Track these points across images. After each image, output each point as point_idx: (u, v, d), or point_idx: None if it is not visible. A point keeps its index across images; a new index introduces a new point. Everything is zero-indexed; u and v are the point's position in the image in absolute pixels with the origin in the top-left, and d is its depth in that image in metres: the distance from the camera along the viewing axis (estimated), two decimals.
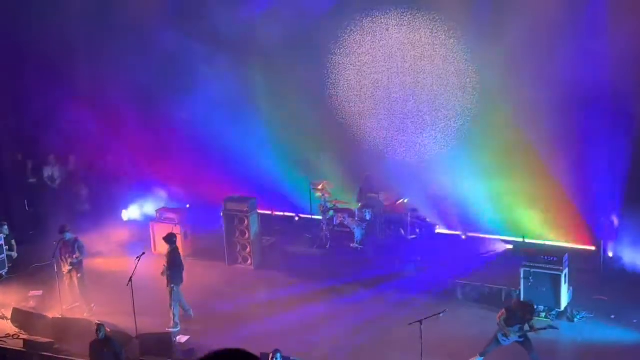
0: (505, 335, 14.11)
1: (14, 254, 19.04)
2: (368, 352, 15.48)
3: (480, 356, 14.42)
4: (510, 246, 18.86)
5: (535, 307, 15.09)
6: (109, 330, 14.89)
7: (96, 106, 21.24)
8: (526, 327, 14.06)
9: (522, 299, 15.50)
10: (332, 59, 19.76)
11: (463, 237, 19.37)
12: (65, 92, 21.37)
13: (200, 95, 20.86)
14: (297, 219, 21.10)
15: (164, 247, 17.35)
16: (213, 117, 20.77)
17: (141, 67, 20.67)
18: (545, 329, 14.47)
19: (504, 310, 14.24)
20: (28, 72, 21.49)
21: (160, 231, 20.20)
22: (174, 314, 16.45)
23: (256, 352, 13.23)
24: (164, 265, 16.54)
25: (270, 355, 13.44)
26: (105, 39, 21.05)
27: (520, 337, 14.11)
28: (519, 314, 14.11)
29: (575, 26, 17.34)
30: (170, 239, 16.83)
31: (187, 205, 21.32)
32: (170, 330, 16.29)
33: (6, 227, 18.99)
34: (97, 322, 15.23)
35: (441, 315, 13.91)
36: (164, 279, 16.59)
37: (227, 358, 4.13)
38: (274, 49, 20.16)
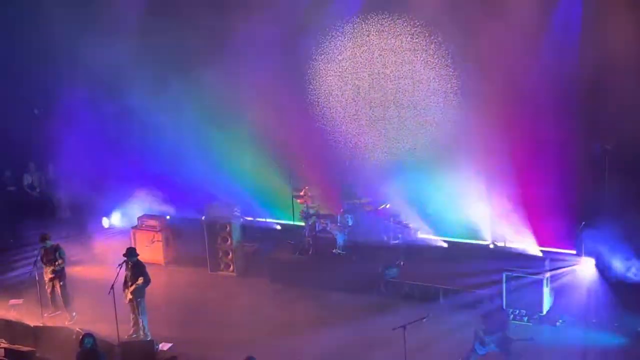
0: (482, 343, 14.15)
1: None
2: (351, 358, 15.46)
3: None
4: (491, 251, 18.92)
5: (511, 314, 15.12)
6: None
7: (76, 113, 21.11)
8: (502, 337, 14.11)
9: (498, 308, 15.52)
10: (313, 65, 19.76)
11: (445, 245, 19.38)
12: (45, 98, 21.27)
13: (182, 101, 20.82)
14: (278, 227, 21.05)
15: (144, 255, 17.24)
16: (195, 123, 20.75)
17: (122, 73, 20.59)
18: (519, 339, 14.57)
19: (481, 320, 14.30)
20: (6, 79, 21.32)
21: (141, 238, 20.20)
22: (143, 326, 16.36)
23: (238, 358, 13.18)
24: (141, 279, 16.25)
25: None
26: (85, 45, 20.91)
27: (496, 346, 14.15)
28: (497, 323, 14.17)
29: (555, 28, 17.44)
30: (131, 253, 16.49)
31: (168, 217, 21.22)
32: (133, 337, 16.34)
33: None
34: (83, 332, 15.14)
35: (424, 320, 13.93)
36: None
37: None
38: (255, 54, 20.15)
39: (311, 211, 19.46)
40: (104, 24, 20.76)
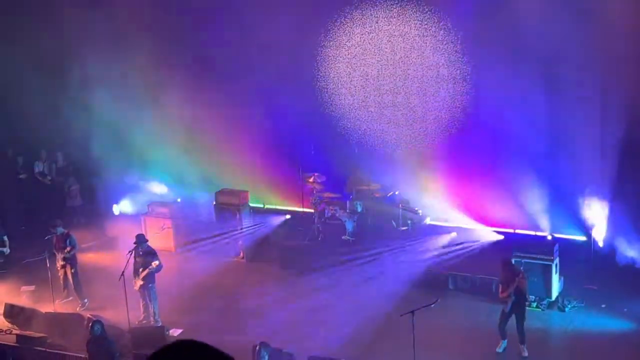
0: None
1: (6, 250, 19.03)
2: (360, 343, 15.51)
3: (504, 339, 14.61)
4: (501, 237, 18.91)
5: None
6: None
7: (87, 101, 21.16)
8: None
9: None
10: (322, 51, 19.74)
11: (454, 234, 19.34)
12: (55, 86, 21.34)
13: (190, 89, 20.83)
14: (287, 216, 21.09)
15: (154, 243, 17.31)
16: (203, 110, 20.77)
17: (129, 62, 20.63)
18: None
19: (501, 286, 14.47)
20: (18, 67, 21.38)
21: (152, 225, 20.26)
22: (154, 311, 16.44)
23: (248, 344, 13.29)
24: (156, 262, 16.27)
25: (257, 348, 13.44)
26: (95, 38, 20.94)
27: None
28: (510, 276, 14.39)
29: (566, 13, 17.38)
30: (141, 239, 16.49)
31: (178, 199, 21.29)
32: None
33: None
34: (93, 318, 15.27)
35: (433, 305, 13.96)
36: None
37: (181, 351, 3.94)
38: (263, 42, 20.14)
39: (320, 198, 19.49)
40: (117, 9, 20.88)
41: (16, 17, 21.41)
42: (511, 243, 17.47)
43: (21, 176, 22.86)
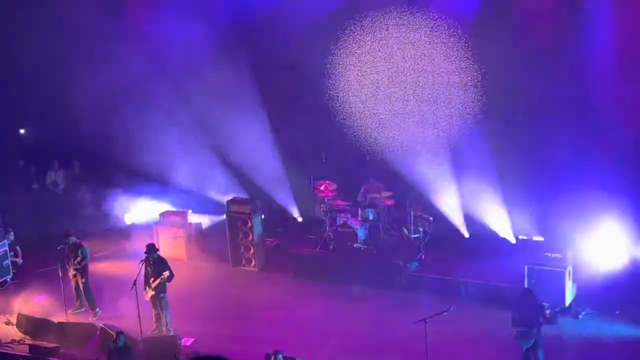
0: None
1: (19, 260, 19.10)
2: (372, 351, 15.49)
3: None
4: (514, 244, 18.83)
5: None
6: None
7: (96, 110, 21.22)
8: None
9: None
10: (332, 59, 19.75)
11: (466, 235, 19.30)
12: (65, 95, 21.40)
13: (200, 96, 20.87)
14: (300, 220, 21.13)
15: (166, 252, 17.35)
16: (214, 119, 20.79)
17: (138, 68, 20.65)
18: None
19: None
20: (28, 75, 21.49)
21: (164, 234, 20.30)
22: (166, 321, 16.44)
23: (260, 352, 13.28)
24: (167, 273, 16.27)
25: (272, 357, 13.47)
26: (99, 43, 21.00)
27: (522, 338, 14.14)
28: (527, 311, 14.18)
29: (577, 20, 17.35)
30: (152, 249, 16.51)
31: (189, 211, 21.23)
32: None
33: (12, 233, 19.05)
34: (110, 330, 15.34)
35: (445, 313, 13.91)
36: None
37: None
38: (274, 50, 20.17)
39: (332, 205, 19.48)
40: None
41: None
42: (525, 250, 17.36)
43: (34, 186, 22.94)
